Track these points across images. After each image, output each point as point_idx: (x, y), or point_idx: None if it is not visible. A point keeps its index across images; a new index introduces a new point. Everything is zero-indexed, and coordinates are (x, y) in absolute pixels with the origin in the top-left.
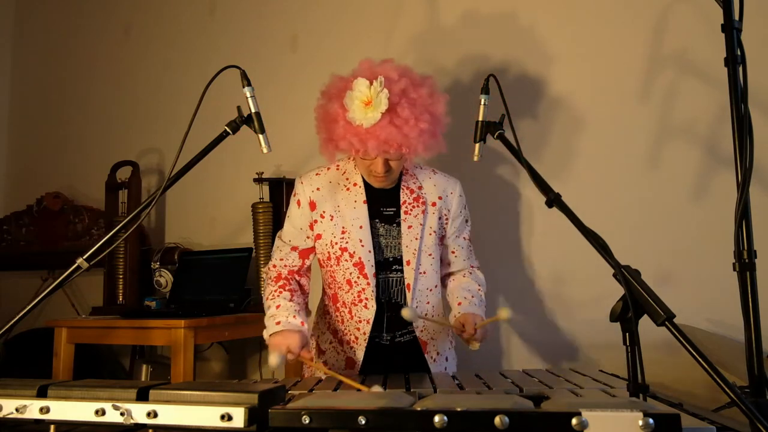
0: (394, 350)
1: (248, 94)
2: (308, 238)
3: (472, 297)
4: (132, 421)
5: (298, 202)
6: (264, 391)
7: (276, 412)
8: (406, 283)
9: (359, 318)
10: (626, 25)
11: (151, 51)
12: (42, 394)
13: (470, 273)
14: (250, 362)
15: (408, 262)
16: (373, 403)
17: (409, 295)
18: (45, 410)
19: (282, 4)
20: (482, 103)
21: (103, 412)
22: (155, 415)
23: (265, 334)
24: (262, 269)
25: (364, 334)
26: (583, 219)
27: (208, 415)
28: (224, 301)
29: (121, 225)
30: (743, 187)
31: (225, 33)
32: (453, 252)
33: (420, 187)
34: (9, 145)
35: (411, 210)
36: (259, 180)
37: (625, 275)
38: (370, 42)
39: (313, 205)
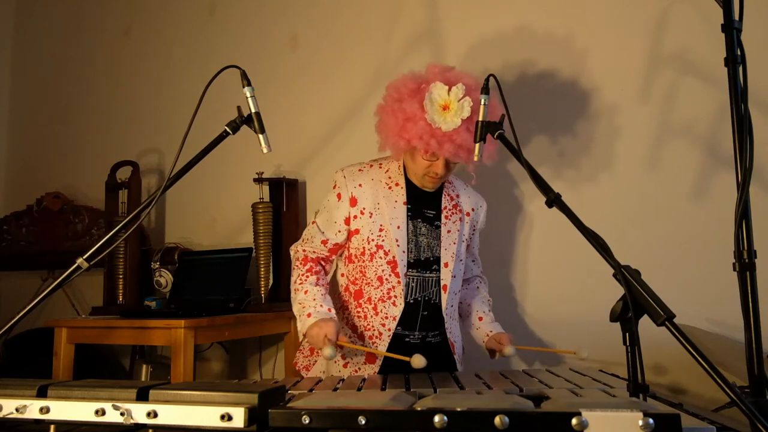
0: (423, 349)
1: (248, 94)
2: (339, 232)
3: (489, 311)
4: (132, 421)
5: (339, 195)
6: (264, 391)
7: (276, 412)
8: (442, 284)
9: (386, 314)
10: (626, 25)
11: (151, 51)
12: (42, 394)
13: (482, 281)
14: (250, 362)
15: (446, 264)
16: (373, 403)
17: (444, 296)
18: (45, 410)
19: (282, 4)
20: (482, 103)
21: (103, 412)
22: (155, 415)
23: (300, 326)
24: (262, 269)
25: (389, 330)
26: (582, 219)
27: (208, 415)
28: (224, 301)
29: (121, 225)
30: (743, 187)
31: (225, 33)
32: (474, 261)
33: (458, 196)
34: (9, 145)
35: (450, 216)
36: (259, 180)
37: (625, 275)
38: (370, 42)
39: (353, 201)
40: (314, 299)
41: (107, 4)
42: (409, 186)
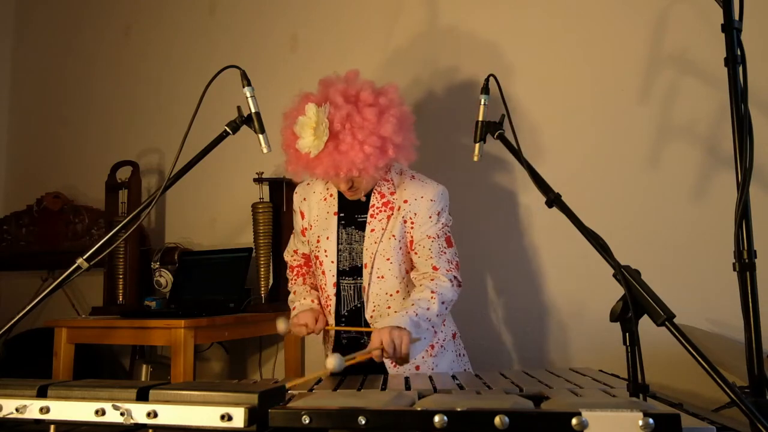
0: (355, 349)
1: (248, 94)
2: (302, 242)
3: (411, 305)
4: (132, 421)
5: (294, 211)
6: (264, 391)
7: (276, 412)
8: (362, 287)
9: (325, 322)
10: (626, 25)
11: (151, 51)
12: (42, 394)
13: (431, 280)
14: (250, 362)
15: (365, 265)
16: (373, 403)
17: (364, 298)
18: (45, 410)
19: (282, 4)
20: (482, 103)
21: (103, 412)
22: (155, 415)
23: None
24: (262, 269)
25: (330, 336)
26: (582, 219)
27: (208, 415)
28: (224, 301)
29: (121, 225)
30: (743, 187)
31: (225, 33)
32: (416, 253)
33: (392, 193)
34: (9, 145)
35: (377, 214)
36: (259, 180)
37: (625, 275)
38: (370, 42)
39: (302, 215)
40: (300, 294)
41: (107, 4)
42: (343, 195)
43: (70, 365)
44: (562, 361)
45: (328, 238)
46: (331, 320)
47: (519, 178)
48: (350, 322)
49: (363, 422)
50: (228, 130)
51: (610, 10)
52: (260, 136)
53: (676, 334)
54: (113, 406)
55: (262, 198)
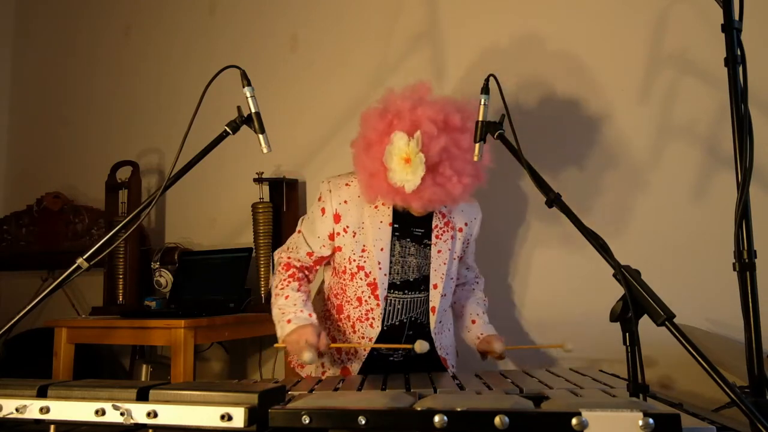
0: (408, 367)
1: (248, 94)
2: (324, 246)
3: (483, 313)
4: (132, 421)
5: (323, 210)
6: (264, 391)
7: (276, 412)
8: (431, 306)
9: (362, 334)
10: (626, 25)
11: (151, 51)
12: (42, 394)
13: (477, 282)
14: (250, 362)
15: (435, 286)
16: (373, 403)
17: (432, 318)
18: (45, 410)
19: (282, 4)
20: (482, 103)
21: (103, 412)
22: (155, 415)
23: (279, 332)
24: (262, 269)
25: (365, 350)
26: (582, 219)
27: (208, 415)
28: (224, 301)
29: (121, 225)
30: (743, 187)
31: (225, 33)
32: (468, 268)
33: (450, 211)
34: (9, 145)
35: (441, 235)
36: (259, 180)
37: (625, 275)
38: (370, 42)
39: (337, 218)
40: (295, 304)
41: (107, 4)
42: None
43: (70, 365)
44: (562, 361)
45: (382, 249)
46: (375, 333)
47: (519, 178)
48: (387, 336)
49: (363, 422)
50: (228, 130)
51: (610, 10)
52: (260, 136)
53: (676, 334)
54: (113, 406)
55: (262, 198)
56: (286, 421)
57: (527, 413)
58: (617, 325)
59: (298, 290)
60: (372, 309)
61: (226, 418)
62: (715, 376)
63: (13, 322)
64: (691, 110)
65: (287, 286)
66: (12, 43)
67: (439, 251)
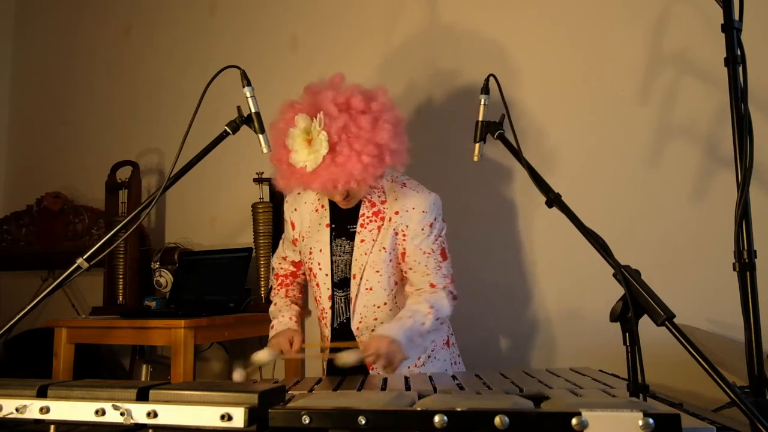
0: (340, 370)
1: (248, 94)
2: (294, 251)
3: (407, 318)
4: (132, 421)
5: (285, 220)
6: (264, 391)
7: (276, 412)
8: (350, 299)
9: (322, 335)
10: (626, 25)
11: (151, 51)
12: (42, 394)
13: (429, 294)
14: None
15: (354, 276)
16: (373, 403)
17: (351, 310)
18: (45, 410)
19: (282, 4)
20: (482, 103)
21: (103, 412)
22: (155, 415)
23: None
24: (262, 269)
25: (326, 351)
26: (582, 219)
27: (208, 415)
28: (224, 301)
29: (121, 225)
30: (743, 187)
31: (225, 33)
32: (411, 268)
33: (383, 202)
34: (9, 145)
35: (367, 224)
36: (259, 180)
37: (625, 275)
38: (370, 42)
39: (293, 225)
40: (279, 310)
41: (107, 3)
42: (334, 206)
43: (70, 365)
44: (562, 361)
45: (321, 250)
46: (328, 332)
47: (519, 178)
48: (339, 335)
49: (363, 422)
50: (228, 130)
51: (610, 10)
52: (260, 136)
53: (676, 334)
54: (113, 406)
55: (262, 198)
56: (286, 421)
57: (527, 413)
58: (617, 325)
59: (285, 296)
60: (324, 309)
61: (226, 418)
62: (715, 376)
63: (13, 322)
64: (691, 110)
65: (276, 294)
66: (12, 43)
67: (362, 240)
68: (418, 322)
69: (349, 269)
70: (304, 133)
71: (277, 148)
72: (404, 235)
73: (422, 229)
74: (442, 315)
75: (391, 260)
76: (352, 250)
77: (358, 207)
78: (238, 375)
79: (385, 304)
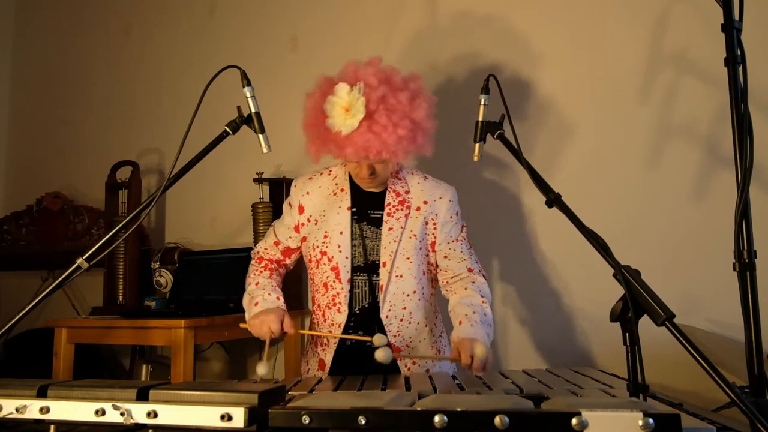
0: (364, 353)
1: (248, 94)
2: (290, 237)
3: (473, 313)
4: (132, 421)
5: (290, 204)
6: (264, 391)
7: (276, 412)
8: (380, 285)
9: (332, 321)
10: (626, 25)
11: (151, 51)
12: (42, 394)
13: (472, 283)
14: (250, 362)
15: (384, 264)
16: (373, 403)
17: (381, 297)
18: (45, 410)
19: (282, 4)
20: (482, 103)
21: (103, 412)
22: (155, 415)
23: (247, 316)
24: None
25: (335, 337)
26: (582, 219)
27: (208, 415)
28: (224, 301)
29: (121, 225)
30: (743, 187)
31: (225, 33)
32: (446, 256)
33: (407, 192)
34: (9, 145)
35: (394, 213)
36: (259, 180)
37: (625, 275)
38: (370, 42)
39: (301, 209)
40: (264, 289)
41: (107, 3)
42: (355, 190)
43: (70, 365)
44: (562, 361)
45: (341, 233)
46: (342, 318)
47: (519, 178)
48: (362, 319)
49: (363, 422)
50: (228, 130)
51: (610, 10)
52: (260, 136)
53: (676, 334)
54: (113, 406)
55: (262, 198)
56: (286, 421)
57: (527, 413)
58: (617, 325)
59: (270, 277)
60: (337, 294)
61: (226, 418)
62: (715, 376)
63: (13, 322)
64: (691, 110)
65: (259, 275)
66: (12, 43)
67: (390, 229)
68: (481, 313)
69: (374, 254)
70: (343, 100)
71: (314, 112)
72: (434, 224)
73: (450, 217)
74: (489, 300)
75: (421, 248)
76: (377, 236)
77: (382, 195)
78: (261, 369)
79: (414, 292)
